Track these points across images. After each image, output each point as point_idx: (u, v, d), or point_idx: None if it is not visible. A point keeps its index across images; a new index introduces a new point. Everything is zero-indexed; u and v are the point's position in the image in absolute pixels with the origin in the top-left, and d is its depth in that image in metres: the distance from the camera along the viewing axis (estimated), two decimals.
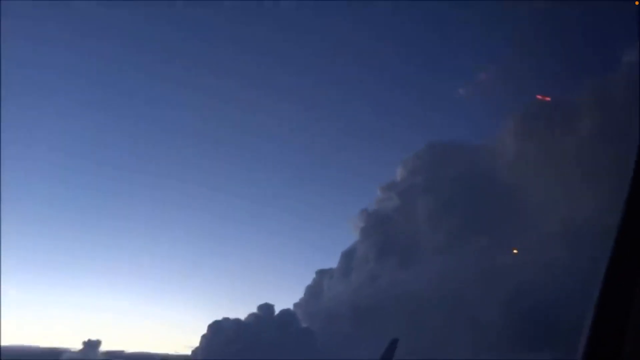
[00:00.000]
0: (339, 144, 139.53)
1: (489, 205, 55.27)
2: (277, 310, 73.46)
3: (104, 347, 78.76)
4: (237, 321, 71.21)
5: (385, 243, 67.06)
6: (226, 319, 72.34)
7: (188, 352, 73.94)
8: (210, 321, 73.24)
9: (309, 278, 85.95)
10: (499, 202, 54.39)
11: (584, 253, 34.59)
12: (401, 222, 67.20)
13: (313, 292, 79.15)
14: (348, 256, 74.55)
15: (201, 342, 70.96)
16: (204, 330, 71.35)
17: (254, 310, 73.14)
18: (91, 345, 77.40)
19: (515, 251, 59.38)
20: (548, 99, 55.32)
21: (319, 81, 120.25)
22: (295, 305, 78.06)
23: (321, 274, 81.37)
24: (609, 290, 3.05)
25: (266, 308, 73.31)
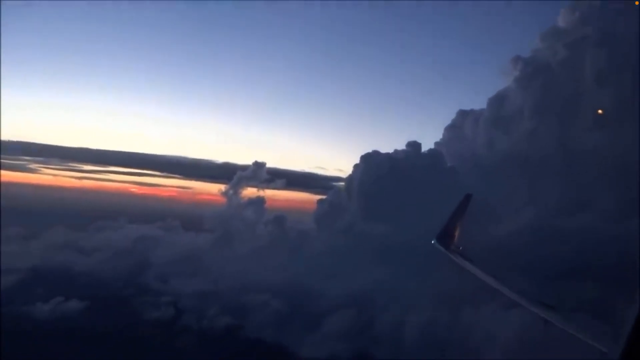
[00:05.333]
0: None
1: None
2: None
3: (268, 165, 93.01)
4: (387, 155, 79.15)
5: (542, 97, 66.94)
6: (376, 152, 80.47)
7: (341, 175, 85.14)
8: (359, 153, 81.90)
9: (448, 118, 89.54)
10: None
11: None
12: (564, 76, 65.77)
13: (453, 133, 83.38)
14: (497, 102, 75.63)
15: (354, 172, 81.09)
16: (356, 160, 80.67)
17: (399, 146, 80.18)
18: (258, 166, 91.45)
19: (600, 111, 57.54)
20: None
21: None
22: (436, 144, 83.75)
23: (463, 115, 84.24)
24: None
25: (414, 145, 79.96)
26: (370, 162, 78.33)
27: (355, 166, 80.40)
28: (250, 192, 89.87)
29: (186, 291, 65.53)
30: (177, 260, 78.41)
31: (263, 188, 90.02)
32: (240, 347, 51.27)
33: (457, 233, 12.32)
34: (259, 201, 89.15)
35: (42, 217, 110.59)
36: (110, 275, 71.75)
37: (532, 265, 48.31)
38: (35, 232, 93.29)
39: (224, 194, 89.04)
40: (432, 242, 11.89)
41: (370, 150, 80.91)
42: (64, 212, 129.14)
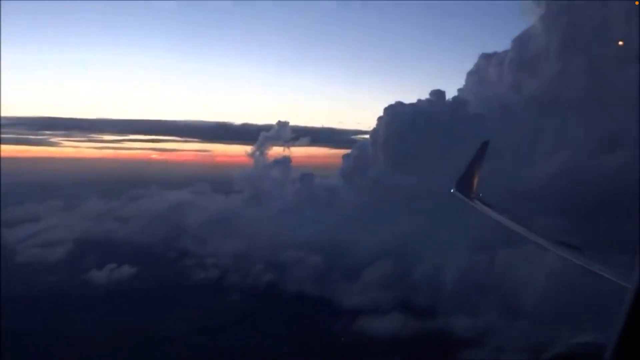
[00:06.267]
0: None
1: None
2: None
3: (292, 124, 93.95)
4: (411, 105, 78.82)
5: (569, 34, 65.40)
6: (400, 103, 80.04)
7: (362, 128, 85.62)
8: (381, 106, 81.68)
9: (470, 63, 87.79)
10: None
11: None
12: (591, 11, 63.92)
13: (476, 77, 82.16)
14: (522, 43, 73.98)
15: (378, 124, 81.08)
16: (377, 113, 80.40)
17: (422, 96, 79.38)
18: (282, 125, 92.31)
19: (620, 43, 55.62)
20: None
21: None
22: (460, 90, 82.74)
23: (486, 58, 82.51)
24: None
25: (438, 94, 79.22)
26: (395, 113, 78.13)
27: (379, 119, 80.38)
28: (275, 151, 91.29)
29: (226, 252, 68.13)
30: (213, 223, 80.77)
31: (288, 146, 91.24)
32: (286, 301, 53.94)
33: (476, 180, 12.35)
34: (285, 160, 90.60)
35: (72, 189, 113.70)
36: (152, 240, 74.61)
37: (563, 206, 49.20)
38: (70, 205, 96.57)
39: (251, 155, 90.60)
40: (452, 191, 12.05)
41: (392, 102, 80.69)
42: (93, 183, 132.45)
